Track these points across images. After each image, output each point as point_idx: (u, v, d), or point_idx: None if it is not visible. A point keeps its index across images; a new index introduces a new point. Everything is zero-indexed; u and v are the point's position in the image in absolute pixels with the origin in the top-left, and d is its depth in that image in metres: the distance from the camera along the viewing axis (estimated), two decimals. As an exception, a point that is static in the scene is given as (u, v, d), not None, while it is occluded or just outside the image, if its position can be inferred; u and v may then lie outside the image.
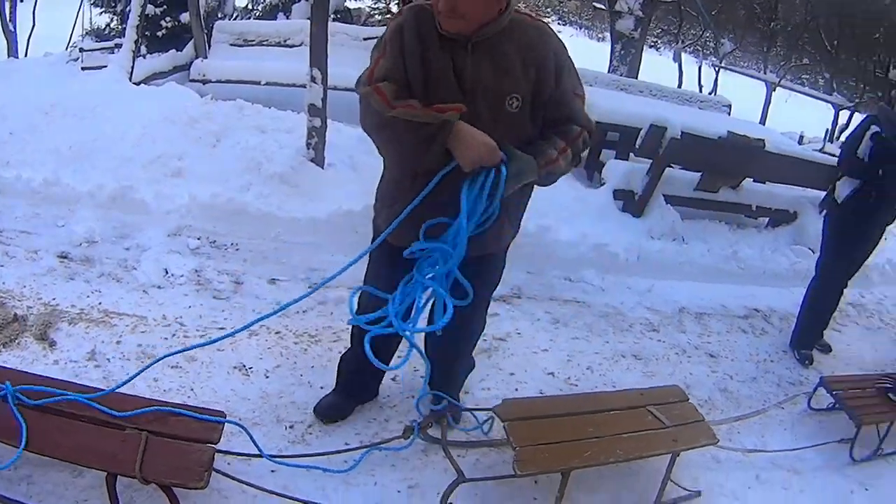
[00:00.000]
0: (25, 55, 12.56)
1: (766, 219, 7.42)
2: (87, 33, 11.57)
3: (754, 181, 7.36)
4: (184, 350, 3.17)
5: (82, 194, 4.79)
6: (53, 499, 2.65)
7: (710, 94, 15.44)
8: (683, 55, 18.43)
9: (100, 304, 3.91)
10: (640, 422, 3.40)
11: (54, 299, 3.89)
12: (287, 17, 11.06)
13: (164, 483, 2.46)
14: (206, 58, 8.20)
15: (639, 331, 5.08)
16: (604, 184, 6.61)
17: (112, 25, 12.09)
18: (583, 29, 37.82)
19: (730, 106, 10.77)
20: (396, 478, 3.11)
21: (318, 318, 4.23)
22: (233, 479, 2.79)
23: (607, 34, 13.64)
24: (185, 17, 9.20)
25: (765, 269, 6.61)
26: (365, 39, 8.50)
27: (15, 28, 12.92)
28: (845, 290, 5.40)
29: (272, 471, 2.96)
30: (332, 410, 3.36)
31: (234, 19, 11.50)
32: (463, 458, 3.15)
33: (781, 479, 3.84)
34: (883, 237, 5.22)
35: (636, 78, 11.35)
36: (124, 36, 7.43)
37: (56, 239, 4.50)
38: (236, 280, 4.46)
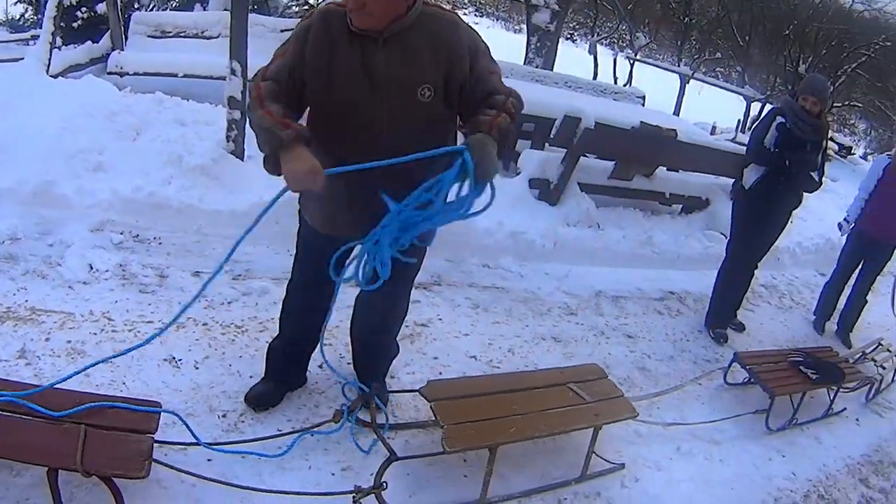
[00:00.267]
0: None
1: (680, 205, 7.76)
2: (1, 24, 11.18)
3: (667, 170, 7.67)
4: (126, 352, 3.12)
5: (3, 190, 4.68)
6: (-6, 501, 2.66)
7: (624, 85, 15.84)
8: (599, 48, 18.84)
9: (26, 301, 3.87)
10: (561, 398, 3.60)
11: (-22, 299, 3.84)
12: (204, 9, 10.91)
13: (105, 474, 2.49)
14: (123, 50, 8.05)
15: (557, 314, 5.30)
16: (519, 173, 6.79)
17: (27, 16, 11.71)
18: (499, 21, 38.10)
19: (644, 97, 11.12)
20: (330, 460, 3.22)
21: (243, 310, 4.28)
22: (171, 468, 2.84)
23: (524, 26, 13.84)
24: (101, 7, 9.01)
25: (679, 253, 6.94)
26: (282, 31, 8.47)
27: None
28: (757, 273, 5.78)
29: (208, 459, 3.02)
30: (262, 398, 3.43)
31: (151, 10, 11.29)
32: (393, 440, 3.28)
33: (702, 450, 4.13)
34: (789, 221, 5.58)
35: (552, 70, 11.59)
36: (40, 27, 7.25)
37: (-23, 237, 4.43)
38: (161, 273, 4.46)
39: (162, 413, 2.86)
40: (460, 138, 2.84)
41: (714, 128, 17.06)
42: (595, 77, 17.03)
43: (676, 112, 16.41)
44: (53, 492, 2.50)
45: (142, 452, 2.57)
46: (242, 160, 5.55)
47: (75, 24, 10.15)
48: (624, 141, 6.70)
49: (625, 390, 4.07)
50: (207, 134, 5.60)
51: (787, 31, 20.03)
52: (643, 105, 10.84)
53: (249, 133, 5.54)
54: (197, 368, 3.62)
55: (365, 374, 3.56)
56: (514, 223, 6.09)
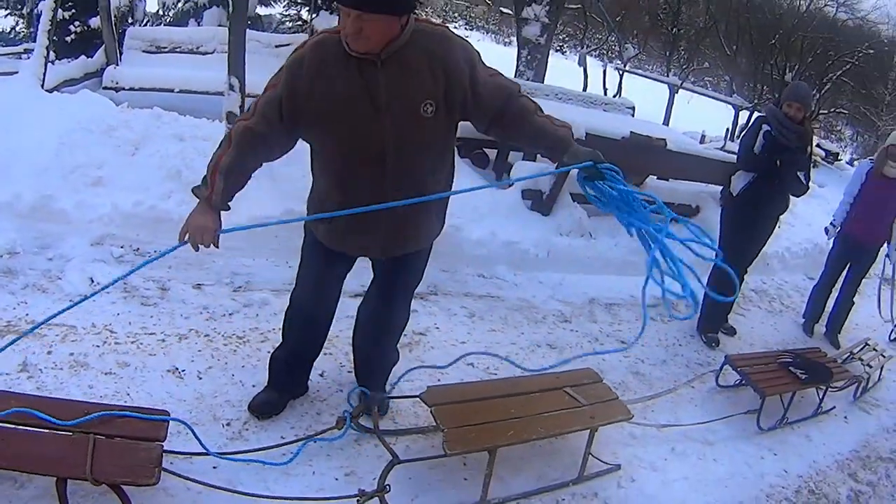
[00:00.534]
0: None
1: (670, 214, 7.82)
2: (-9, 37, 11.24)
3: (657, 178, 7.77)
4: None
5: (1, 205, 4.75)
6: (-2, 514, 2.69)
7: (614, 96, 15.95)
8: (588, 59, 18.94)
9: (27, 315, 3.92)
10: (558, 402, 3.68)
11: (-21, 313, 3.88)
12: (199, 24, 11.01)
13: (115, 482, 2.54)
14: (118, 64, 8.11)
15: (552, 322, 5.37)
16: (512, 184, 6.87)
17: (18, 29, 11.75)
18: (489, 34, 38.29)
19: (633, 108, 11.20)
20: (333, 466, 3.28)
21: (244, 321, 4.35)
22: (178, 476, 2.90)
23: (514, 39, 13.95)
24: (94, 21, 9.06)
25: (670, 260, 7.00)
26: (277, 46, 8.59)
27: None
28: (747, 278, 5.87)
29: (214, 467, 3.08)
30: (266, 406, 3.50)
31: (145, 25, 11.36)
32: (394, 445, 3.33)
33: (696, 450, 4.22)
34: (777, 226, 5.67)
35: (542, 82, 11.67)
36: (32, 40, 7.30)
37: (-25, 252, 4.47)
38: (162, 286, 4.52)
39: (170, 422, 2.92)
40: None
41: (703, 136, 17.21)
42: (585, 88, 17.13)
43: (666, 122, 16.53)
44: (62, 501, 2.54)
45: (151, 460, 2.63)
46: (240, 174, 5.61)
47: (68, 39, 10.22)
48: (614, 151, 6.74)
49: (619, 394, 4.14)
50: (206, 149, 5.62)
51: (773, 41, 20.28)
52: (633, 115, 10.92)
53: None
54: (200, 378, 3.68)
55: (366, 382, 3.63)
56: (508, 233, 6.17)
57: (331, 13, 10.14)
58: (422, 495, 3.24)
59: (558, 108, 8.33)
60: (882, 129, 24.27)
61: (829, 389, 5.05)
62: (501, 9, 22.58)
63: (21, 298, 4.09)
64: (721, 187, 6.23)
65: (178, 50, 8.59)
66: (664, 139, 7.10)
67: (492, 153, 7.63)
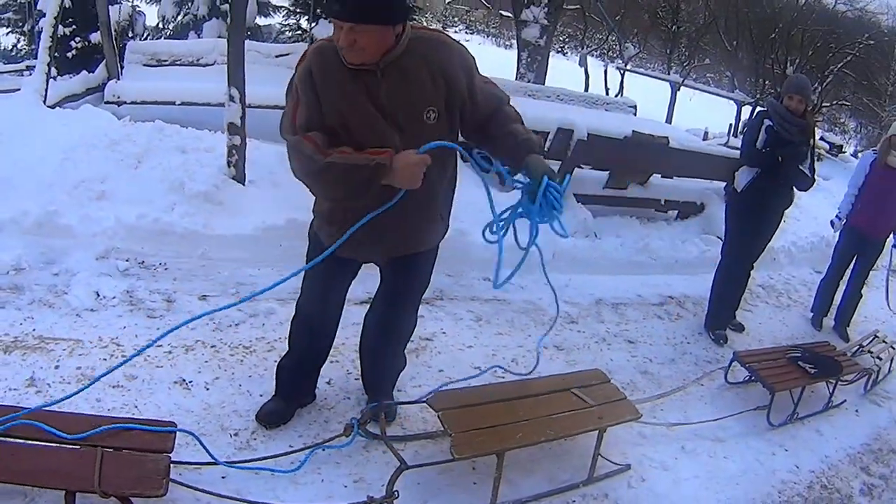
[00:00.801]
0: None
1: (675, 211, 7.84)
2: (-7, 55, 11.30)
3: (662, 176, 7.76)
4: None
5: (6, 221, 4.76)
6: (6, 529, 2.70)
7: (616, 96, 15.95)
8: (589, 59, 18.96)
9: (34, 330, 3.93)
10: (566, 403, 3.67)
11: (-14, 329, 3.90)
12: (199, 36, 11.05)
13: (123, 495, 2.54)
14: (119, 79, 8.13)
15: (559, 323, 5.33)
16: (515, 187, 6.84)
17: (19, 46, 11.82)
18: (490, 37, 38.32)
19: (635, 107, 11.21)
20: (342, 473, 3.28)
21: (251, 331, 4.36)
22: (186, 486, 2.90)
23: (514, 41, 13.97)
24: (95, 37, 9.09)
25: (676, 258, 7.02)
26: (277, 56, 8.60)
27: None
28: (754, 273, 5.86)
29: (223, 477, 3.08)
30: (273, 416, 3.50)
31: (145, 39, 11.41)
32: (403, 451, 3.33)
33: (706, 448, 4.20)
34: (782, 220, 5.66)
35: (543, 84, 11.69)
36: (34, 57, 7.32)
37: (-19, 268, 4.49)
38: (168, 298, 4.54)
39: (177, 433, 2.92)
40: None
41: (706, 133, 17.17)
42: (586, 89, 17.15)
43: (668, 119, 16.53)
44: (71, 516, 2.55)
45: (159, 471, 2.63)
46: (244, 185, 5.64)
47: (70, 54, 10.28)
48: (617, 150, 6.79)
49: (628, 394, 4.14)
50: (209, 160, 5.68)
51: (773, 35, 20.23)
52: (635, 114, 10.92)
53: (250, 158, 5.70)
54: (208, 389, 3.69)
55: (373, 388, 3.63)
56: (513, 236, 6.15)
57: (330, 21, 10.15)
58: (431, 500, 3.23)
59: (560, 109, 8.35)
60: (886, 119, 24.15)
61: (839, 383, 5.03)
62: (501, 12, 22.65)
63: (28, 314, 4.09)
64: (725, 183, 6.23)
65: (178, 63, 8.59)
66: (666, 137, 7.10)
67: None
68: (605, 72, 19.84)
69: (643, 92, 16.32)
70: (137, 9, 12.06)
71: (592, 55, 20.47)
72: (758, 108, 17.28)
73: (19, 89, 6.76)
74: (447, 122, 2.89)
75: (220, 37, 9.50)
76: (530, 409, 3.52)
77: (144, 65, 8.55)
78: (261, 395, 3.65)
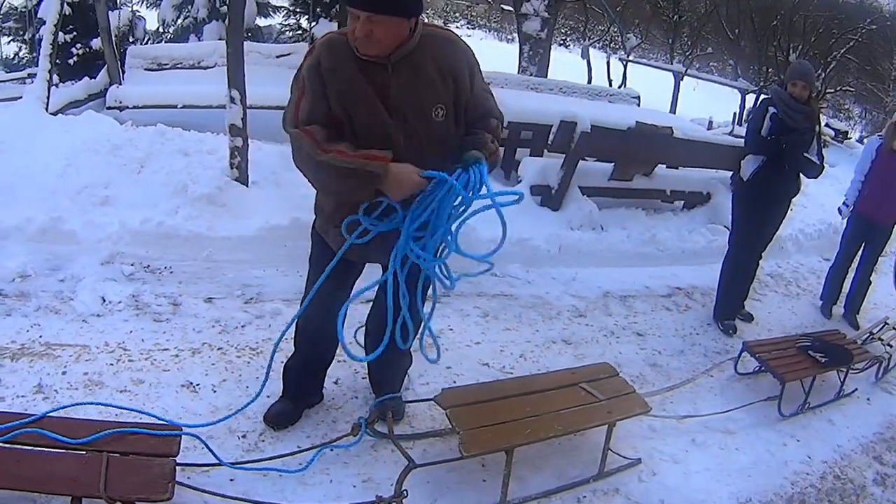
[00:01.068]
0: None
1: (681, 202, 7.81)
2: (-5, 64, 11.35)
3: (667, 167, 7.73)
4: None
5: (10, 229, 4.77)
6: (15, 535, 2.69)
7: (619, 87, 15.90)
8: (591, 51, 18.90)
9: (40, 337, 3.93)
10: (574, 398, 3.65)
11: (-7, 337, 3.90)
12: (199, 39, 11.05)
13: (129, 500, 2.54)
14: (121, 84, 8.14)
15: (566, 317, 5.34)
16: (520, 181, 6.86)
17: (21, 54, 11.86)
18: (492, 32, 38.28)
19: (639, 98, 11.17)
20: (350, 473, 3.26)
21: (257, 332, 4.35)
22: (194, 489, 2.90)
23: (516, 35, 13.94)
24: (96, 43, 9.11)
25: (683, 249, 6.99)
26: (278, 57, 8.60)
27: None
28: (762, 262, 5.82)
29: (231, 479, 3.07)
30: (281, 417, 3.49)
31: (146, 43, 11.42)
32: (411, 450, 3.31)
33: (717, 440, 4.17)
34: (790, 208, 5.62)
35: (546, 77, 11.66)
36: (36, 65, 7.34)
37: (-13, 276, 4.50)
38: (174, 302, 4.53)
39: (183, 436, 2.92)
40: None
41: (711, 122, 17.11)
42: (589, 81, 17.10)
43: (672, 110, 16.49)
44: (78, 521, 2.54)
45: (164, 475, 2.63)
46: (247, 186, 5.64)
47: (71, 61, 10.32)
48: (621, 142, 6.76)
49: (637, 387, 4.11)
50: (211, 162, 5.68)
51: (775, 22, 20.12)
52: (639, 105, 10.89)
53: (253, 159, 5.70)
54: (215, 392, 3.68)
55: (380, 386, 3.62)
56: (519, 231, 6.13)
57: (330, 21, 10.16)
58: (440, 499, 3.21)
59: (563, 101, 8.32)
60: (890, 104, 24.08)
61: (850, 371, 4.98)
62: (502, 6, 22.58)
63: (34, 321, 4.10)
64: (731, 173, 6.19)
65: (179, 66, 8.61)
66: (670, 127, 7.06)
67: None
68: (608, 63, 19.79)
69: (646, 83, 16.26)
70: (137, 14, 12.08)
71: (594, 47, 20.41)
72: (761, 96, 17.23)
73: (21, 97, 6.78)
74: (454, 119, 2.89)
75: (220, 39, 9.47)
76: (538, 404, 3.50)
77: (145, 69, 8.57)
78: (268, 397, 3.62)
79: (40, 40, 7.40)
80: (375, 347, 3.55)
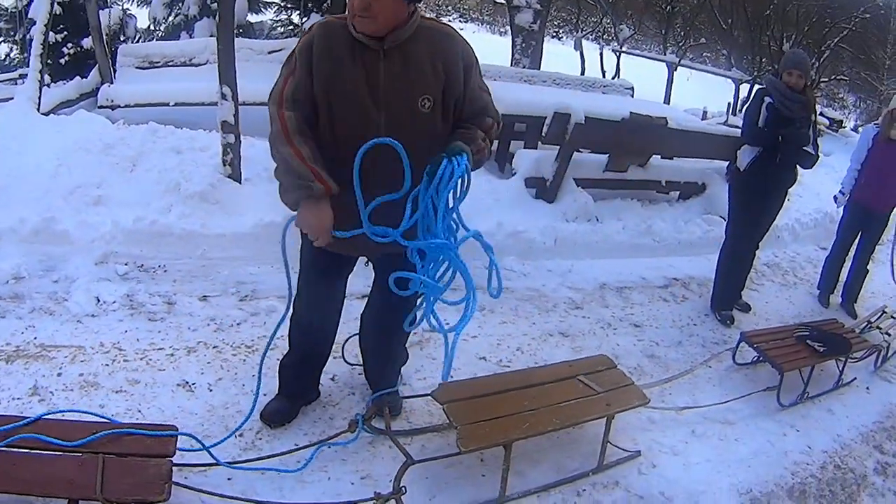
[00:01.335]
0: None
1: (677, 192, 7.80)
2: (-13, 64, 11.28)
3: (661, 158, 7.72)
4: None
5: (4, 230, 4.74)
6: (13, 537, 2.68)
7: (612, 78, 15.89)
8: (584, 43, 18.91)
9: (35, 338, 3.91)
10: (572, 391, 3.63)
11: (-13, 339, 3.88)
12: (190, 36, 11.00)
13: (126, 501, 2.52)
14: (112, 83, 8.08)
15: (563, 309, 5.33)
16: (515, 173, 6.84)
17: (12, 55, 11.80)
18: (484, 24, 38.21)
19: (632, 88, 11.16)
20: (348, 470, 3.25)
21: (252, 329, 4.33)
22: (192, 489, 2.88)
23: (508, 28, 13.91)
24: (87, 42, 9.05)
25: (679, 239, 6.99)
26: (269, 53, 8.56)
27: None
28: (759, 252, 5.82)
29: (229, 478, 3.05)
30: (278, 415, 3.47)
31: (137, 41, 11.37)
32: (409, 446, 3.30)
33: (716, 431, 4.15)
34: (786, 198, 5.61)
35: (539, 69, 11.65)
36: (27, 66, 7.29)
37: (-19, 278, 4.47)
38: (168, 301, 4.51)
39: (179, 436, 2.89)
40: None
41: (705, 112, 17.11)
42: (583, 72, 17.10)
43: (666, 100, 16.46)
44: (75, 523, 2.52)
45: (161, 476, 2.60)
46: (240, 183, 5.61)
47: (62, 61, 10.25)
48: (615, 133, 6.74)
49: (635, 379, 4.10)
50: (204, 160, 5.65)
51: (768, 11, 20.10)
52: (632, 96, 10.88)
53: (245, 156, 5.66)
54: (211, 391, 3.66)
55: (377, 383, 3.60)
56: (514, 223, 6.13)
57: (321, 16, 10.11)
58: (439, 495, 3.20)
59: (557, 93, 8.29)
60: (884, 93, 24.05)
61: (849, 360, 4.97)
62: (494, -2, 22.55)
63: (29, 322, 4.07)
64: (727, 163, 6.17)
65: (171, 64, 8.56)
66: (664, 118, 7.04)
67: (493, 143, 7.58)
68: (601, 55, 19.79)
69: (640, 74, 16.26)
70: (128, 12, 12.01)
71: (587, 38, 20.41)
72: (756, 86, 17.22)
73: (13, 98, 6.73)
74: (441, 112, 2.88)
75: (211, 36, 9.43)
76: (536, 398, 3.48)
77: (137, 67, 8.52)
78: (265, 395, 3.60)
79: (31, 40, 7.34)
80: (372, 342, 3.56)
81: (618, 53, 19.58)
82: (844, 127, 18.78)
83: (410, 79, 2.78)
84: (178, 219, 5.12)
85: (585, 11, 21.09)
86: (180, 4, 12.22)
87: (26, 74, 7.19)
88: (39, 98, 6.64)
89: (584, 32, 20.34)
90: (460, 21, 36.72)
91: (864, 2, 22.22)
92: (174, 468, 2.73)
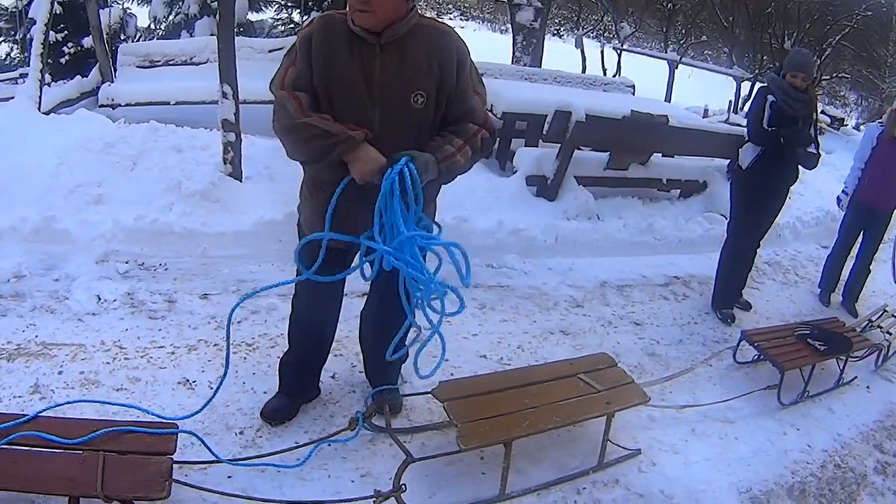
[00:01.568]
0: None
1: (678, 190, 7.78)
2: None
3: (663, 156, 7.71)
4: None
5: (4, 229, 4.75)
6: (14, 535, 2.68)
7: (613, 76, 15.87)
8: (585, 41, 18.89)
9: (36, 337, 3.91)
10: (572, 389, 3.63)
11: (-11, 338, 3.88)
12: (191, 35, 10.99)
13: (126, 498, 2.53)
14: (113, 82, 8.09)
15: (564, 308, 5.33)
16: (515, 171, 6.84)
17: (13, 55, 11.80)
18: (485, 23, 38.16)
19: (633, 86, 11.12)
20: (348, 468, 3.25)
21: (253, 327, 4.34)
22: (192, 487, 2.88)
23: (510, 26, 13.90)
24: (87, 41, 9.05)
25: (680, 237, 6.98)
26: (270, 51, 8.55)
27: None
28: (760, 250, 5.81)
29: (229, 476, 3.06)
30: (278, 412, 3.47)
31: (138, 40, 11.36)
32: (409, 443, 3.31)
33: (717, 430, 4.15)
34: (788, 196, 5.60)
35: (539, 66, 11.63)
36: (28, 65, 7.30)
37: (-18, 277, 4.48)
38: (169, 299, 4.52)
39: (180, 434, 2.90)
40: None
41: (706, 110, 17.08)
42: (584, 70, 17.09)
43: (668, 98, 16.41)
44: (76, 521, 2.53)
45: (161, 473, 2.61)
46: (241, 181, 5.61)
47: (63, 60, 10.25)
48: (616, 130, 6.73)
49: (636, 377, 4.10)
50: (204, 158, 5.66)
51: (770, 9, 20.05)
52: (633, 94, 10.84)
53: (246, 154, 5.66)
54: (211, 388, 3.64)
55: (377, 381, 3.60)
56: (514, 221, 6.13)
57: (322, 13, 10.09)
58: (439, 493, 3.20)
59: (557, 91, 8.28)
60: (886, 91, 24.02)
61: (850, 359, 4.97)
62: (495, -4, 22.52)
63: (30, 321, 4.08)
64: (728, 161, 6.16)
65: (171, 62, 8.56)
66: (666, 116, 7.03)
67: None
68: (602, 53, 19.76)
69: (641, 71, 16.19)
70: (128, 11, 12.00)
71: (588, 36, 20.38)
72: (758, 84, 17.18)
73: (13, 97, 6.74)
74: (434, 109, 2.88)
75: (212, 35, 9.42)
76: (537, 396, 3.49)
77: (137, 66, 8.52)
78: (265, 392, 3.63)
79: (31, 40, 7.34)
80: (370, 340, 3.55)
81: (619, 51, 19.56)
82: (846, 125, 18.74)
83: (406, 74, 2.79)
84: (178, 217, 5.12)
85: (586, 9, 21.08)
86: (181, 3, 12.19)
87: (27, 74, 7.19)
88: (40, 97, 6.64)
89: (585, 30, 20.33)
90: (461, 19, 36.68)
91: (867, -1, 22.21)
92: (174, 465, 2.73)
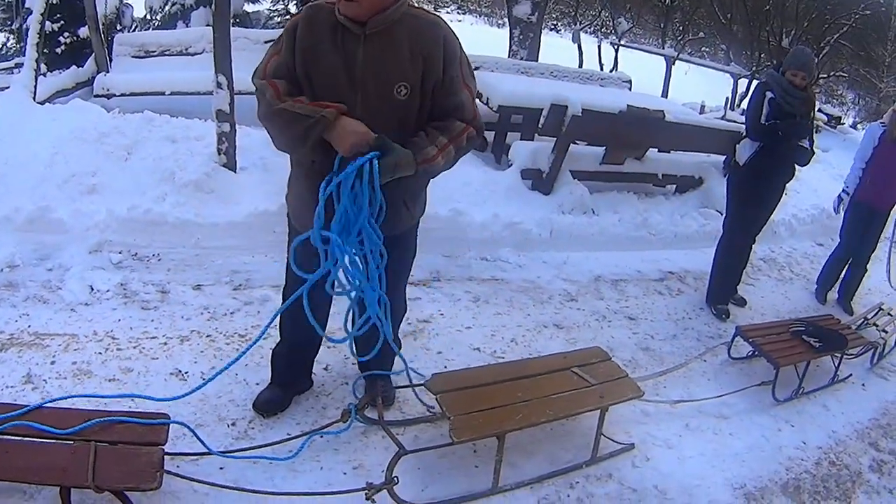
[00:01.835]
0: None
1: (673, 186, 7.79)
2: (-17, 54, 11.24)
3: (658, 151, 7.69)
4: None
5: (-1, 219, 4.75)
6: (7, 525, 2.67)
7: (610, 71, 15.84)
8: (582, 36, 18.85)
9: (29, 326, 3.91)
10: (566, 383, 3.63)
11: (-18, 327, 3.87)
12: (187, 25, 10.94)
13: (117, 489, 2.53)
14: (108, 72, 8.05)
15: (558, 301, 5.32)
16: (511, 165, 6.83)
17: (9, 44, 11.75)
18: (482, 16, 38.10)
19: (630, 81, 11.09)
20: (341, 460, 3.25)
21: (245, 319, 4.33)
22: (184, 478, 2.87)
23: (507, 20, 13.86)
24: (83, 31, 9.01)
25: (675, 233, 6.97)
26: (266, 42, 8.49)
27: None
28: (755, 247, 5.81)
29: (220, 468, 3.06)
30: (270, 404, 3.47)
31: (134, 31, 11.30)
32: (402, 436, 3.31)
33: (711, 425, 4.15)
34: (784, 193, 5.59)
35: (536, 60, 11.59)
36: (23, 55, 7.26)
37: (-25, 266, 4.45)
38: (162, 289, 4.51)
39: (171, 425, 2.89)
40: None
41: (703, 107, 17.05)
42: (581, 65, 17.03)
43: (664, 94, 16.40)
44: (67, 510, 2.52)
45: (153, 464, 2.60)
46: (235, 172, 5.59)
47: (59, 50, 10.21)
48: (612, 125, 6.72)
49: (630, 371, 4.09)
50: (199, 149, 5.63)
51: (768, 7, 20.03)
52: (630, 89, 10.82)
53: (241, 145, 5.65)
54: (203, 379, 3.64)
55: (367, 368, 3.58)
56: (510, 215, 6.12)
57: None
58: (432, 485, 3.20)
59: (554, 85, 8.25)
60: (884, 90, 24.05)
61: (845, 357, 4.96)
62: (493, -10, 22.48)
63: (23, 311, 4.07)
64: (724, 157, 6.14)
65: (167, 53, 8.50)
66: (662, 111, 7.02)
67: (489, 134, 7.53)
68: (599, 48, 19.71)
69: (638, 67, 16.18)
70: (124, 1, 11.94)
71: (586, 31, 20.36)
72: (755, 81, 17.17)
73: (9, 87, 6.71)
74: (418, 101, 2.85)
75: (208, 25, 9.37)
76: (530, 389, 3.48)
77: (133, 57, 8.46)
78: (257, 384, 3.62)
79: (27, 30, 7.32)
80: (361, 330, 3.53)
81: (616, 47, 19.52)
82: (843, 123, 18.73)
83: (387, 65, 2.76)
84: (172, 208, 5.10)
85: (584, 4, 21.04)
86: (177, -7, 12.14)
87: (22, 63, 7.16)
88: (35, 87, 6.62)
89: (582, 25, 20.31)
90: (458, 12, 36.61)
91: (864, -1, 22.21)
92: (166, 457, 2.72)
